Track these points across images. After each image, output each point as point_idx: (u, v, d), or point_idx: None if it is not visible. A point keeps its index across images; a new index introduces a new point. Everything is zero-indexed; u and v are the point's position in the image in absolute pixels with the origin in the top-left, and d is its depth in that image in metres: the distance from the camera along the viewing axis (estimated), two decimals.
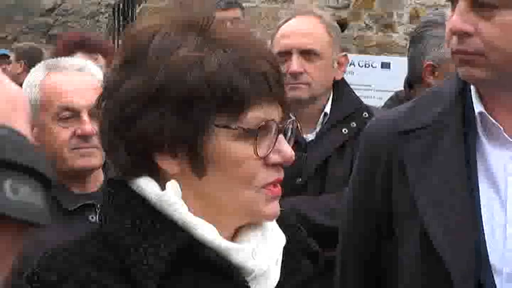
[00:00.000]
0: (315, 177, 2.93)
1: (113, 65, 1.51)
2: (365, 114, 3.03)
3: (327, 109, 3.05)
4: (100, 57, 3.96)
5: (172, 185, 1.42)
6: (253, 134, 1.41)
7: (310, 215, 2.79)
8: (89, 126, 2.46)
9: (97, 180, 2.57)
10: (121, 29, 10.92)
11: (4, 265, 0.72)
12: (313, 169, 2.93)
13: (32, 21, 12.53)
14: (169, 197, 1.41)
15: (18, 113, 0.73)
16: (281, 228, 1.53)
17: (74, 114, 2.48)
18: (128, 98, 1.41)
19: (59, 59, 2.69)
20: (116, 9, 11.38)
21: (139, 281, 1.36)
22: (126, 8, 10.98)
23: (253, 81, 1.40)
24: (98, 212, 1.51)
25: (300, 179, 2.90)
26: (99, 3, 12.75)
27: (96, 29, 12.23)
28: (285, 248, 1.51)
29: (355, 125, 3.00)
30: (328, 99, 3.06)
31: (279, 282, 1.48)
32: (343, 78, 3.16)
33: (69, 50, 3.87)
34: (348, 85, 3.25)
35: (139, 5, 10.57)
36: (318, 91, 3.01)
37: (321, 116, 3.04)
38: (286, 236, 1.52)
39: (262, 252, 1.46)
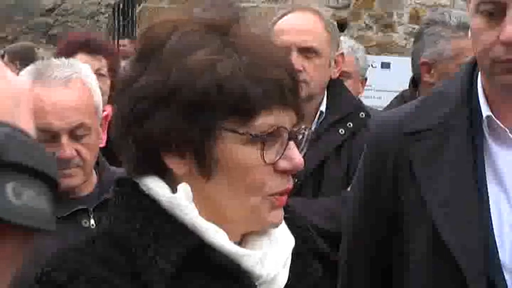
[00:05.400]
0: (311, 178, 2.89)
1: (130, 58, 1.50)
2: (362, 115, 3.00)
3: (322, 107, 3.01)
4: (103, 59, 3.93)
5: (183, 188, 1.41)
6: (261, 140, 1.39)
7: (310, 218, 2.74)
8: (68, 151, 2.32)
9: (90, 183, 2.47)
10: (121, 29, 10.91)
11: (7, 274, 0.68)
12: (310, 170, 2.88)
13: (32, 21, 12.53)
14: (181, 199, 1.40)
15: (22, 109, 0.69)
16: (290, 230, 1.52)
17: (53, 136, 2.31)
18: (140, 95, 1.40)
19: (46, 64, 2.45)
20: (116, 9, 11.38)
21: (148, 283, 1.35)
22: (126, 8, 10.97)
23: (265, 89, 1.38)
24: (107, 213, 1.49)
25: (297, 180, 2.86)
26: (99, 3, 12.75)
27: (96, 29, 12.23)
28: (294, 249, 1.50)
29: (351, 125, 2.96)
30: (323, 97, 3.03)
31: (288, 285, 1.47)
32: (339, 77, 3.13)
33: (71, 50, 3.82)
34: (344, 84, 3.23)
35: (139, 5, 10.55)
36: (315, 90, 2.97)
37: (317, 115, 3.00)
38: (295, 237, 1.51)
39: (270, 258, 1.45)
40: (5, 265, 0.68)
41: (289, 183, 1.45)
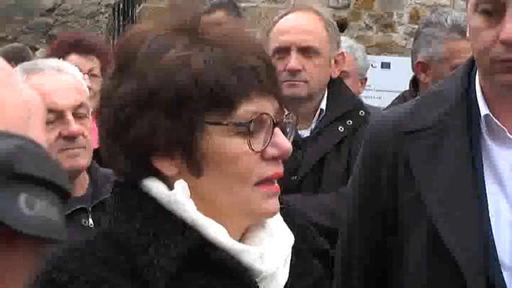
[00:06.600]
0: (311, 175, 2.91)
1: (108, 73, 1.53)
2: (361, 113, 3.01)
3: (323, 105, 3.03)
4: (95, 58, 3.92)
5: (181, 185, 1.42)
6: (246, 128, 1.41)
7: (309, 215, 2.75)
8: (75, 126, 2.43)
9: (83, 183, 2.53)
10: (121, 29, 10.91)
11: (20, 282, 0.69)
12: (310, 167, 2.91)
13: (32, 21, 12.51)
14: (179, 196, 1.41)
15: (34, 120, 0.69)
16: (290, 228, 1.52)
17: (58, 115, 2.42)
18: (121, 104, 1.42)
19: (35, 61, 2.62)
20: (116, 9, 11.37)
21: (149, 281, 1.36)
22: (126, 8, 10.97)
23: (241, 76, 1.40)
24: (107, 214, 1.50)
25: (296, 177, 2.87)
26: (99, 3, 12.74)
27: (96, 29, 12.22)
28: (294, 248, 1.50)
29: (351, 123, 2.98)
30: (323, 96, 3.04)
31: (288, 284, 1.47)
32: (339, 76, 3.15)
33: (63, 50, 3.82)
34: (344, 83, 3.25)
35: (139, 5, 10.55)
36: (316, 89, 2.99)
37: (317, 113, 3.02)
38: (294, 236, 1.51)
39: (270, 254, 1.45)
40: (17, 274, 0.68)
41: (278, 168, 1.45)
